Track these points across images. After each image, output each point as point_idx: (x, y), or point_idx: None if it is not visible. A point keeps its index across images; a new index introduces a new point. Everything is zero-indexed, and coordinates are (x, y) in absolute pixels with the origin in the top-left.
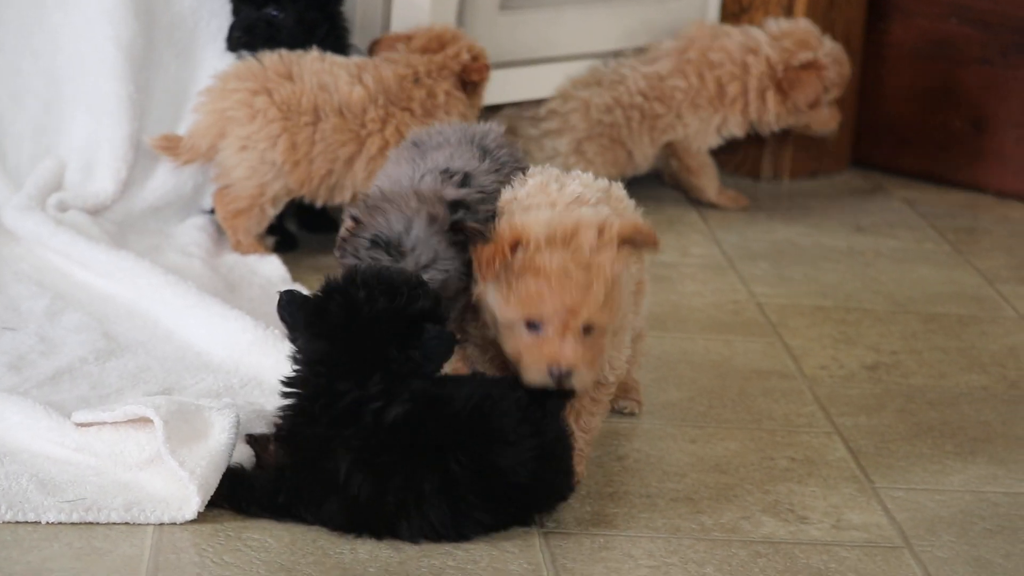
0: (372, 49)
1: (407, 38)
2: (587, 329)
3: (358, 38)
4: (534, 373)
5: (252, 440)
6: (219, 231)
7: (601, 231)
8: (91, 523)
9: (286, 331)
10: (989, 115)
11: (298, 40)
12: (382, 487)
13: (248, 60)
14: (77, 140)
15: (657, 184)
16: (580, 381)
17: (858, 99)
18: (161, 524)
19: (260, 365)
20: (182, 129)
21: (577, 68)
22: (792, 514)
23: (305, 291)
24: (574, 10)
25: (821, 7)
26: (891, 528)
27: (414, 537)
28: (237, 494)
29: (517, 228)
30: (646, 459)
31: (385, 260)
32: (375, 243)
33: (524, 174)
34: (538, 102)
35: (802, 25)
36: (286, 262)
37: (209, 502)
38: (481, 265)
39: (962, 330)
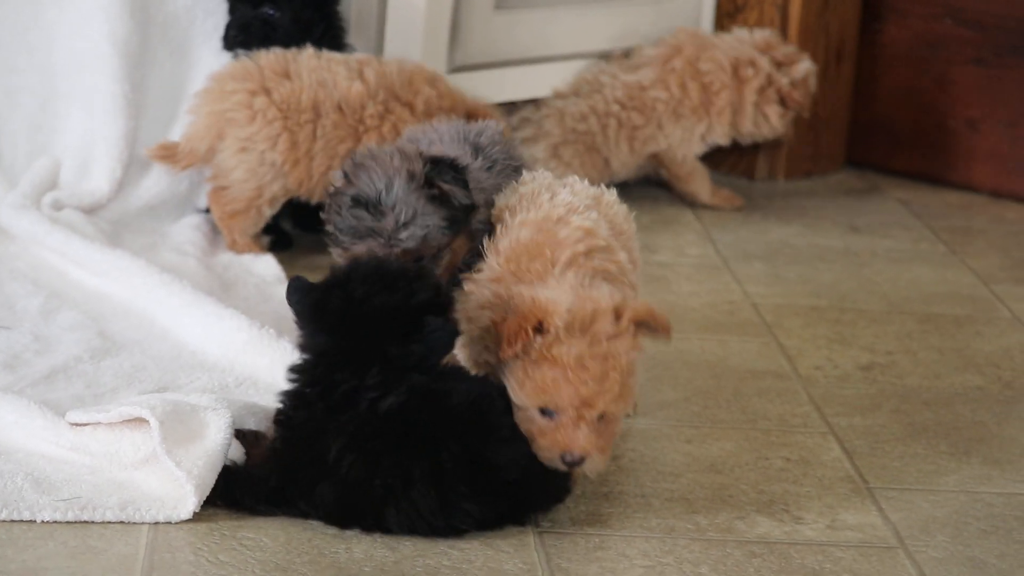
0: None
1: None
2: (601, 418)
3: (354, 37)
4: (547, 456)
5: (241, 436)
6: (214, 230)
7: (618, 316)
8: (86, 522)
9: (294, 316)
10: (984, 115)
11: (294, 39)
12: (371, 470)
13: (244, 60)
14: (72, 138)
15: (652, 184)
16: (592, 467)
17: (853, 99)
18: (156, 523)
19: (255, 364)
20: (176, 129)
21: (572, 68)
22: (787, 514)
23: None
24: (569, 10)
25: (816, 7)
26: (886, 528)
27: (401, 525)
28: (230, 487)
29: (540, 307)
30: (641, 459)
31: (366, 218)
32: (356, 202)
33: (519, 172)
34: (511, 112)
35: (770, 34)
36: (281, 261)
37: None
38: (503, 342)
39: (957, 330)
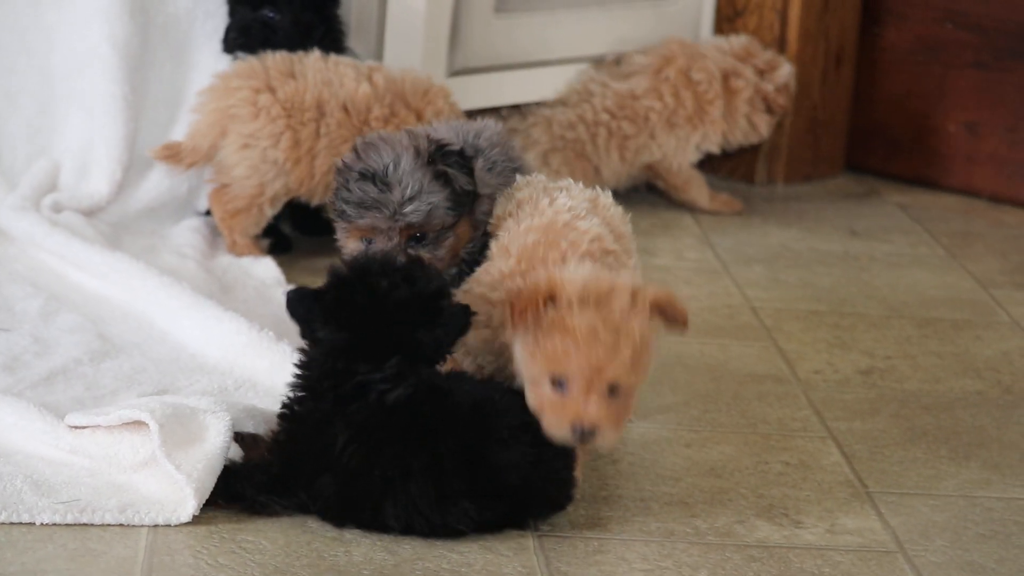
0: None
1: None
2: (613, 390)
3: (354, 40)
4: (557, 430)
5: (239, 438)
6: (214, 233)
7: (635, 297)
8: (85, 524)
9: (299, 327)
10: (983, 119)
11: (294, 42)
12: (373, 460)
13: (249, 60)
14: (72, 141)
15: (649, 188)
16: (604, 440)
17: (852, 103)
18: (156, 526)
19: (254, 367)
20: (176, 131)
21: (572, 72)
22: (786, 518)
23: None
24: (569, 13)
25: (815, 11)
26: (885, 533)
27: (399, 520)
28: (230, 481)
29: (554, 282)
30: (640, 463)
31: (373, 191)
32: (363, 176)
33: (519, 173)
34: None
35: (747, 40)
36: (280, 264)
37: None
38: (513, 314)
39: (956, 335)
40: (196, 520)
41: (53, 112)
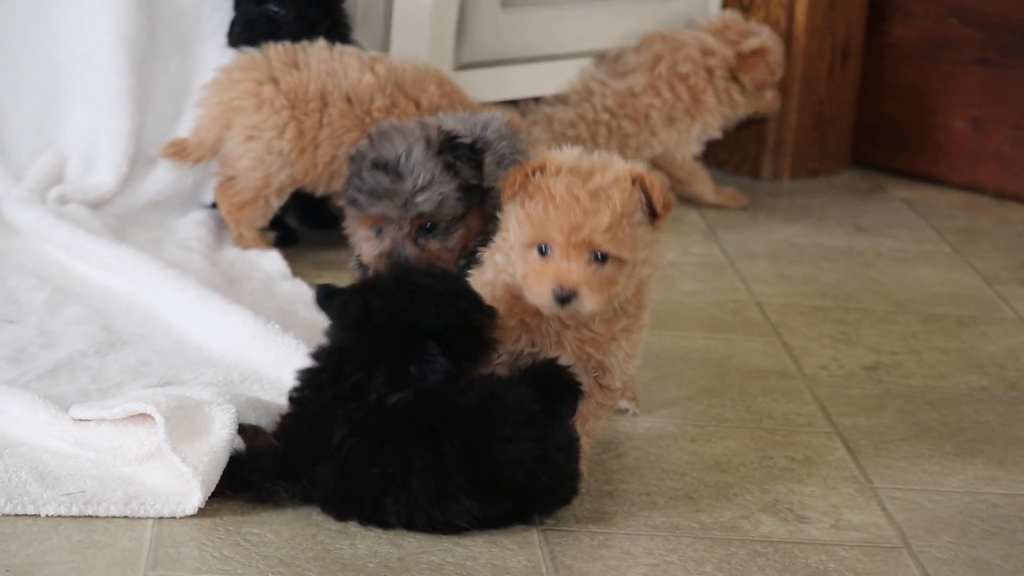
0: None
1: None
2: (598, 257)
3: (360, 34)
4: (539, 294)
5: (241, 430)
6: (219, 226)
7: (620, 175)
8: (91, 516)
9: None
10: (988, 116)
11: (299, 36)
12: (372, 456)
13: (252, 52)
14: (78, 133)
15: None
16: (585, 305)
17: (858, 99)
18: (161, 518)
19: (260, 360)
20: (183, 124)
21: (579, 66)
22: (791, 513)
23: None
24: (575, 7)
25: (822, 7)
26: (890, 528)
27: (400, 515)
28: (236, 468)
29: (544, 156)
30: (646, 457)
31: (385, 180)
32: (376, 164)
33: None
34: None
35: (731, 15)
36: (287, 257)
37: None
38: (505, 184)
39: (961, 331)
40: (201, 512)
41: (58, 105)
